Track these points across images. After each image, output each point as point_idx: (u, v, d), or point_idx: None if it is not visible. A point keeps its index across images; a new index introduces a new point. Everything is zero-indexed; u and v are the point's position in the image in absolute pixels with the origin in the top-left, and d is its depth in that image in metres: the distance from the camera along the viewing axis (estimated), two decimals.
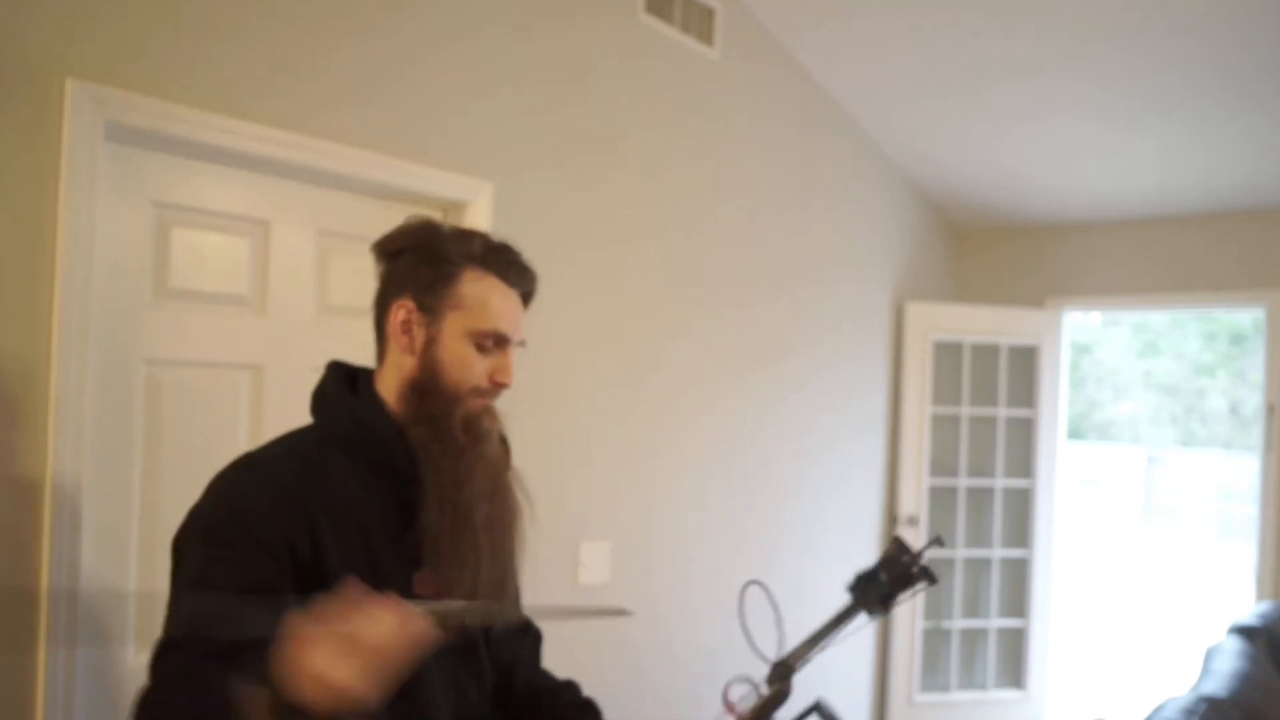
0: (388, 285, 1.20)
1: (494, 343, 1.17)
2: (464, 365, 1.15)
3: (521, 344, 1.21)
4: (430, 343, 1.16)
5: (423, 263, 1.16)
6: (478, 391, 1.17)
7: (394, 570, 1.12)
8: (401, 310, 1.17)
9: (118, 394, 1.78)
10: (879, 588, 1.20)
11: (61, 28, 1.61)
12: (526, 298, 1.23)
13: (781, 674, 1.11)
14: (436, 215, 2.30)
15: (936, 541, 1.23)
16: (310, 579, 1.07)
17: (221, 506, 1.08)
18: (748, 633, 1.18)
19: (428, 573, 1.15)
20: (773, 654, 1.16)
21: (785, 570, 3.22)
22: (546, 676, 1.36)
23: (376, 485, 1.13)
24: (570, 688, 1.35)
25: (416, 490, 1.14)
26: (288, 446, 1.17)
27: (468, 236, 1.19)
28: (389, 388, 1.18)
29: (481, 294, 1.16)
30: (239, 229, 1.97)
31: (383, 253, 1.20)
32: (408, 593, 1.11)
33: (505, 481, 1.20)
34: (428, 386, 1.15)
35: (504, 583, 1.18)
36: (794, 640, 1.19)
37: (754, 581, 1.20)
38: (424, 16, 2.18)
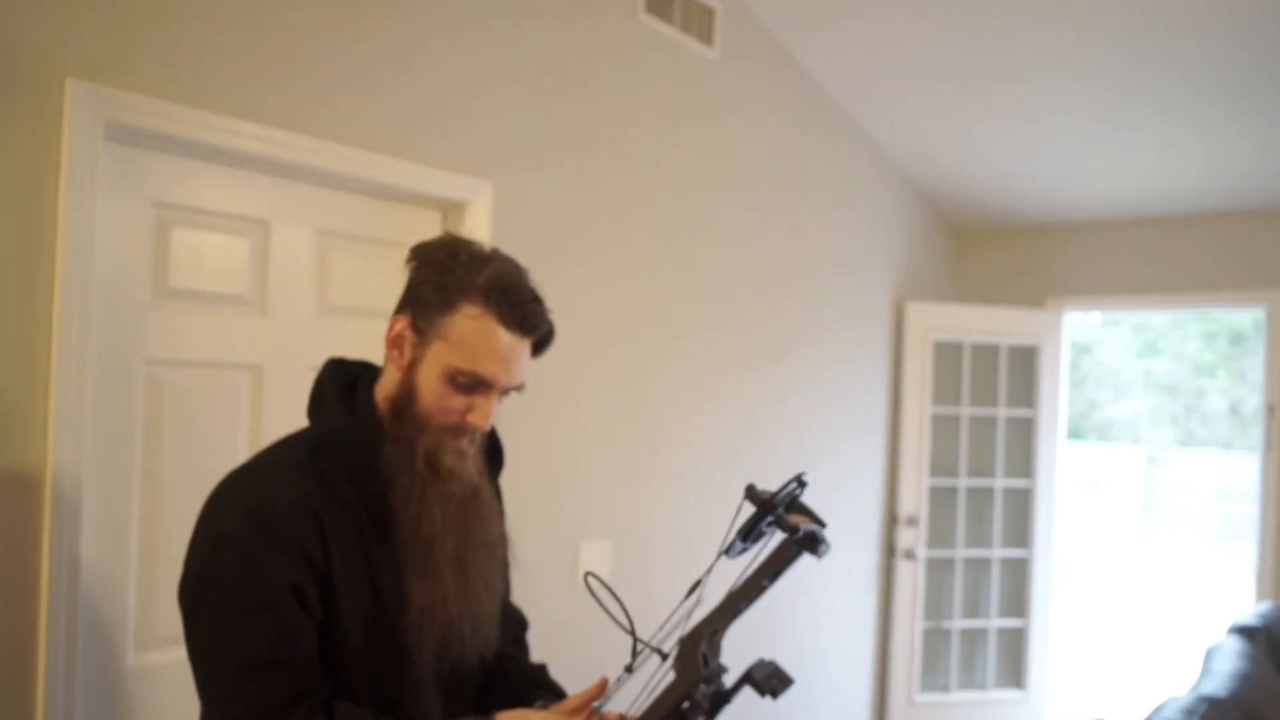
0: (403, 292, 1.16)
1: (473, 384, 1.11)
2: (436, 399, 1.11)
3: (517, 389, 1.16)
4: (413, 365, 1.13)
5: (429, 282, 1.12)
6: (447, 428, 1.13)
7: (389, 578, 1.12)
8: (398, 323, 1.14)
9: (118, 394, 1.78)
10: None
11: (61, 28, 1.61)
12: (539, 345, 1.18)
13: (684, 653, 1.00)
14: (436, 215, 2.30)
15: (796, 481, 1.09)
16: (321, 585, 1.08)
17: (240, 513, 1.07)
18: (611, 614, 1.10)
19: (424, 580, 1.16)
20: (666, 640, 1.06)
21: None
22: (516, 659, 1.35)
23: (371, 493, 1.13)
24: (536, 666, 1.35)
25: None
26: (285, 453, 1.16)
27: (480, 265, 1.12)
28: (383, 393, 1.17)
29: (470, 334, 1.10)
30: (239, 229, 1.97)
31: (411, 256, 1.16)
32: (402, 600, 1.12)
33: (474, 516, 1.16)
34: (403, 407, 1.13)
35: (476, 610, 1.17)
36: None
37: (590, 574, 1.15)
38: (423, 16, 2.18)
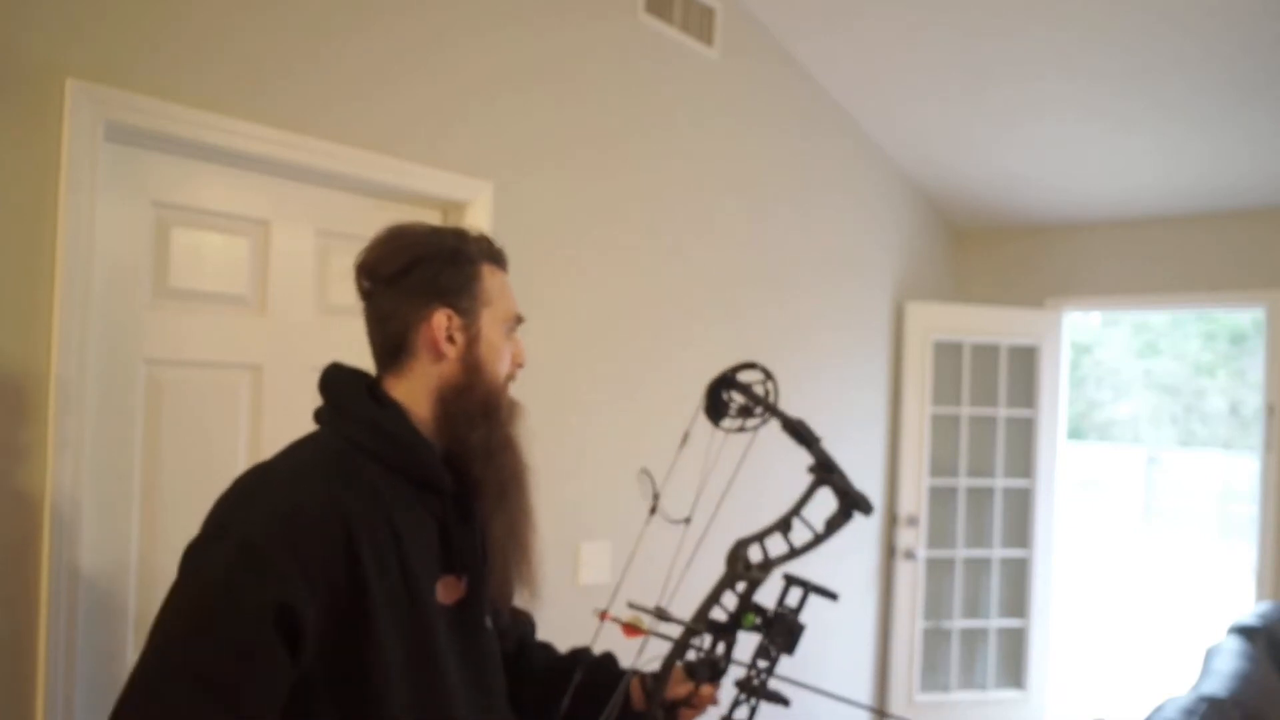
0: (405, 301, 1.17)
1: (514, 325, 1.25)
2: (499, 356, 1.22)
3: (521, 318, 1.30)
4: (471, 343, 1.18)
5: (445, 268, 1.17)
6: (507, 380, 1.24)
7: (424, 581, 1.11)
8: (442, 318, 1.16)
9: (118, 394, 1.78)
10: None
11: (61, 28, 1.61)
12: None
13: (730, 556, 1.23)
14: (436, 215, 2.30)
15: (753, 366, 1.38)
16: (346, 594, 1.03)
17: (261, 518, 1.01)
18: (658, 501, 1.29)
19: (449, 579, 1.17)
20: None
21: (784, 570, 3.21)
22: (549, 649, 1.51)
23: (407, 497, 1.12)
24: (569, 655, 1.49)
25: (445, 502, 1.16)
26: (313, 454, 1.11)
27: (465, 234, 1.23)
28: (415, 399, 1.17)
29: (498, 285, 1.23)
30: (239, 229, 1.97)
31: (389, 272, 1.19)
32: (433, 601, 1.12)
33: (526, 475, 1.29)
34: (469, 385, 1.18)
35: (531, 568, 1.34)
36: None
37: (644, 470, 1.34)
38: (424, 16, 2.18)
